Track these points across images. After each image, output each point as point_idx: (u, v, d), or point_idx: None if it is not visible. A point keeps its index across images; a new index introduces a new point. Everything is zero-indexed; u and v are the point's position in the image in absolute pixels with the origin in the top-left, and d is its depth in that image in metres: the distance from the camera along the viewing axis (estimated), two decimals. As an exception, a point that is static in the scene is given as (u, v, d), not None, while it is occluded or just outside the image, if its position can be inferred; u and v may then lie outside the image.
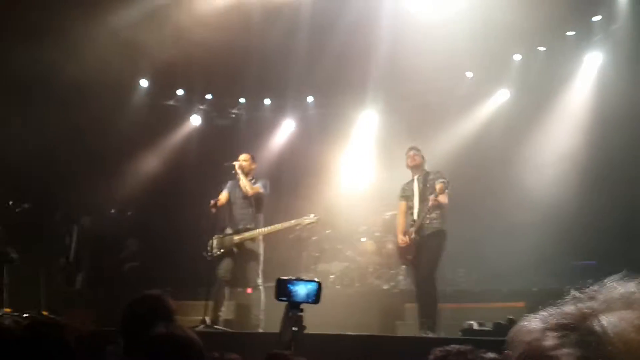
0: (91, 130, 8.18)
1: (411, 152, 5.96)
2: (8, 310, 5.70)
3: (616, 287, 0.70)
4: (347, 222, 8.04)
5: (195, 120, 10.14)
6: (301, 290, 2.53)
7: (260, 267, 5.99)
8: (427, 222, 5.60)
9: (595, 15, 7.92)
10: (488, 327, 4.51)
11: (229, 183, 6.29)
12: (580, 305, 0.70)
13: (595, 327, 0.66)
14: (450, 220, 5.79)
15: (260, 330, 5.56)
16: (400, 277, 7.60)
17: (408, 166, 5.94)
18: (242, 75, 9.05)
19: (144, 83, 9.46)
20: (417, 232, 5.63)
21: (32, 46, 7.01)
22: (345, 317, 5.98)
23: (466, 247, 5.65)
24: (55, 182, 7.98)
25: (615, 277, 0.72)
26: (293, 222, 6.26)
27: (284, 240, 7.43)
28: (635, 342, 0.63)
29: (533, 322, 0.72)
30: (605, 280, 0.72)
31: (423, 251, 5.57)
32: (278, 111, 10.31)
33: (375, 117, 9.63)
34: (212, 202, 6.09)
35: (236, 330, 5.79)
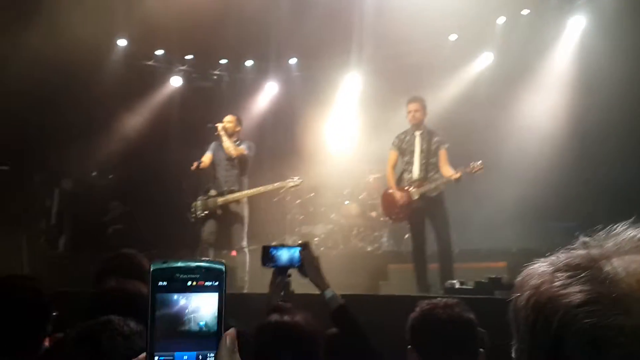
0: (70, 91, 8.01)
1: (412, 107, 5.64)
2: (-11, 274, 5.65)
3: (626, 231, 0.70)
4: (331, 185, 8.07)
5: (176, 82, 9.96)
6: (284, 255, 2.58)
7: (245, 229, 6.02)
8: (433, 185, 5.50)
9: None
10: (469, 285, 4.61)
11: (213, 145, 6.26)
12: (589, 249, 0.69)
13: (607, 267, 0.65)
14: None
15: (245, 292, 5.63)
16: (384, 239, 7.71)
17: (409, 123, 5.69)
18: (223, 35, 8.86)
19: (122, 43, 9.23)
20: (421, 195, 5.51)
21: (3, 7, 6.80)
22: (330, 279, 6.04)
23: (454, 206, 5.74)
24: (35, 144, 7.84)
25: (625, 222, 0.71)
26: (277, 184, 6.26)
27: (268, 203, 7.45)
28: None
29: (542, 266, 0.71)
30: (615, 226, 0.71)
31: (432, 217, 5.50)
32: (261, 73, 10.17)
33: (360, 79, 9.56)
34: (195, 164, 6.06)
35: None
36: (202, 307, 0.73)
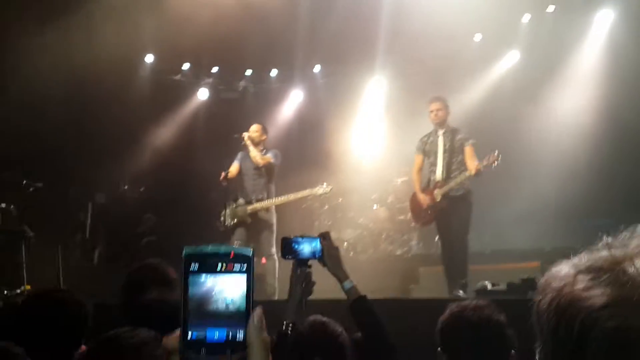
0: (100, 107, 8.20)
1: (434, 106, 5.55)
2: (27, 287, 5.80)
3: None
4: (358, 189, 8.06)
5: (203, 94, 10.12)
6: (305, 247, 2.55)
7: (274, 236, 6.05)
8: (452, 183, 5.34)
9: (606, -30, 7.76)
10: (502, 287, 4.54)
11: (240, 155, 6.33)
12: (613, 250, 0.69)
13: (630, 269, 0.64)
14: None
15: (276, 298, 5.64)
16: (413, 242, 7.65)
17: (432, 123, 5.60)
18: (247, 46, 8.96)
19: (149, 58, 9.42)
20: (445, 195, 5.37)
21: (36, 25, 7.02)
22: (360, 283, 5.98)
23: (477, 210, 5.62)
24: (67, 160, 8.05)
25: None
26: (306, 192, 6.29)
27: (296, 210, 7.48)
28: None
29: (564, 268, 0.71)
30: (638, 228, 0.70)
31: (452, 216, 5.36)
32: (285, 81, 10.25)
33: (384, 83, 9.54)
34: (223, 174, 6.13)
35: (252, 299, 5.86)
36: (231, 288, 0.78)
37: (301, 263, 2.54)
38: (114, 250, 8.07)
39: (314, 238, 2.56)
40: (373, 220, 7.79)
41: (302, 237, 2.57)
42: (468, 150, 5.39)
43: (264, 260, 6.00)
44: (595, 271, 0.67)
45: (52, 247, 6.84)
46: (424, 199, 5.56)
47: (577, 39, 8.09)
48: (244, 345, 0.78)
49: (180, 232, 8.30)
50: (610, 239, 0.70)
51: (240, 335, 0.78)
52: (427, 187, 5.63)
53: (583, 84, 7.75)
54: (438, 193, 5.46)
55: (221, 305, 0.78)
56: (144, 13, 7.78)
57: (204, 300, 0.78)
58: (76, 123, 8.07)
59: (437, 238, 6.42)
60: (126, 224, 8.57)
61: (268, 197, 6.15)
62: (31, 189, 6.67)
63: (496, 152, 5.18)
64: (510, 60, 8.73)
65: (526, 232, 6.76)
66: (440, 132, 5.57)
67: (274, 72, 10.22)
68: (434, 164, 5.56)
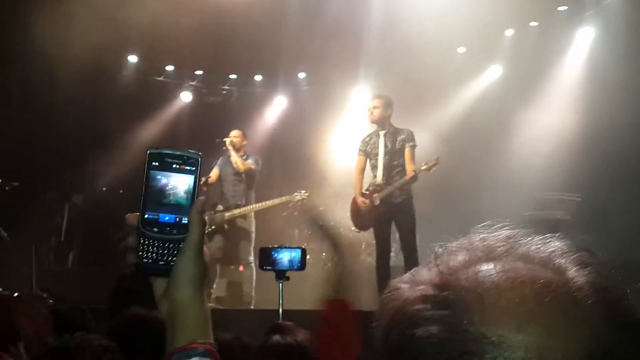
0: (81, 107, 8.08)
1: (370, 104, 5.32)
2: (-1, 289, 5.67)
3: (481, 237, 0.62)
4: (340, 199, 8.03)
5: (186, 97, 10.04)
6: (285, 257, 2.51)
7: (252, 244, 6.01)
8: (391, 188, 5.09)
9: (588, -10, 7.89)
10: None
11: (220, 160, 6.29)
12: (442, 264, 0.60)
13: (462, 282, 0.57)
14: (442, 197, 5.63)
15: (252, 307, 5.60)
16: (392, 254, 7.63)
17: (369, 121, 5.36)
18: (233, 50, 8.92)
19: (132, 59, 9.33)
20: (384, 200, 5.12)
21: (16, 24, 6.90)
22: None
23: (461, 222, 5.59)
24: (46, 160, 7.91)
25: (483, 225, 0.62)
26: (284, 198, 6.28)
27: (277, 218, 7.43)
28: (504, 300, 0.54)
29: (399, 288, 0.62)
30: (473, 230, 0.62)
31: (399, 224, 5.18)
32: (270, 87, 10.22)
33: (368, 94, 9.55)
34: (203, 179, 6.07)
35: (228, 308, 5.82)
36: (182, 184, 0.94)
37: (279, 275, 2.49)
38: (89, 254, 7.94)
39: (294, 248, 2.52)
40: (353, 230, 7.76)
41: (282, 247, 2.53)
42: (407, 152, 5.13)
43: (241, 268, 5.96)
44: (424, 291, 0.59)
45: (26, 249, 6.73)
46: (362, 202, 5.29)
47: (558, 55, 8.19)
48: (187, 227, 0.92)
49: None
50: (440, 249, 0.63)
51: (185, 220, 0.92)
52: (368, 191, 5.37)
53: (562, 100, 7.84)
54: (377, 197, 5.21)
55: (173, 196, 0.93)
56: (128, 12, 7.68)
57: (160, 190, 0.93)
58: (57, 121, 7.93)
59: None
60: (104, 227, 8.43)
61: (247, 204, 6.11)
62: (7, 188, 6.56)
63: (436, 156, 5.03)
64: (493, 73, 8.82)
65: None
66: (382, 132, 5.29)
67: (258, 77, 10.19)
68: (375, 167, 5.30)
